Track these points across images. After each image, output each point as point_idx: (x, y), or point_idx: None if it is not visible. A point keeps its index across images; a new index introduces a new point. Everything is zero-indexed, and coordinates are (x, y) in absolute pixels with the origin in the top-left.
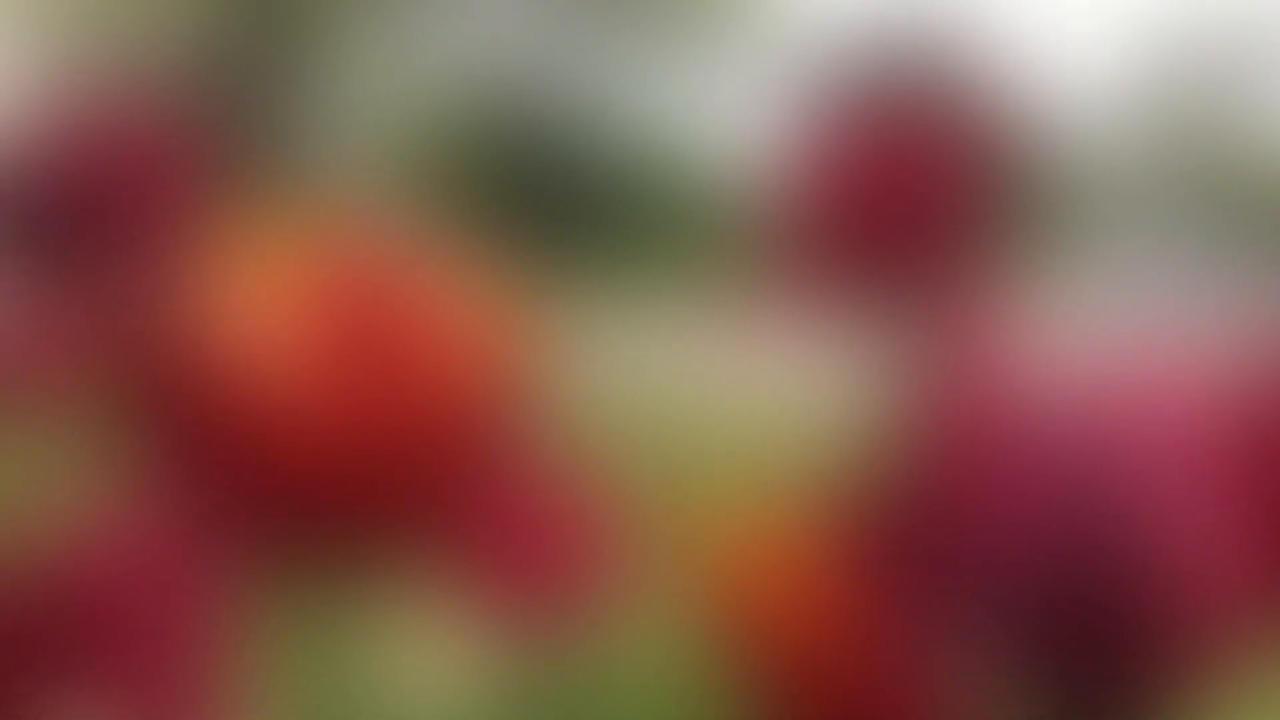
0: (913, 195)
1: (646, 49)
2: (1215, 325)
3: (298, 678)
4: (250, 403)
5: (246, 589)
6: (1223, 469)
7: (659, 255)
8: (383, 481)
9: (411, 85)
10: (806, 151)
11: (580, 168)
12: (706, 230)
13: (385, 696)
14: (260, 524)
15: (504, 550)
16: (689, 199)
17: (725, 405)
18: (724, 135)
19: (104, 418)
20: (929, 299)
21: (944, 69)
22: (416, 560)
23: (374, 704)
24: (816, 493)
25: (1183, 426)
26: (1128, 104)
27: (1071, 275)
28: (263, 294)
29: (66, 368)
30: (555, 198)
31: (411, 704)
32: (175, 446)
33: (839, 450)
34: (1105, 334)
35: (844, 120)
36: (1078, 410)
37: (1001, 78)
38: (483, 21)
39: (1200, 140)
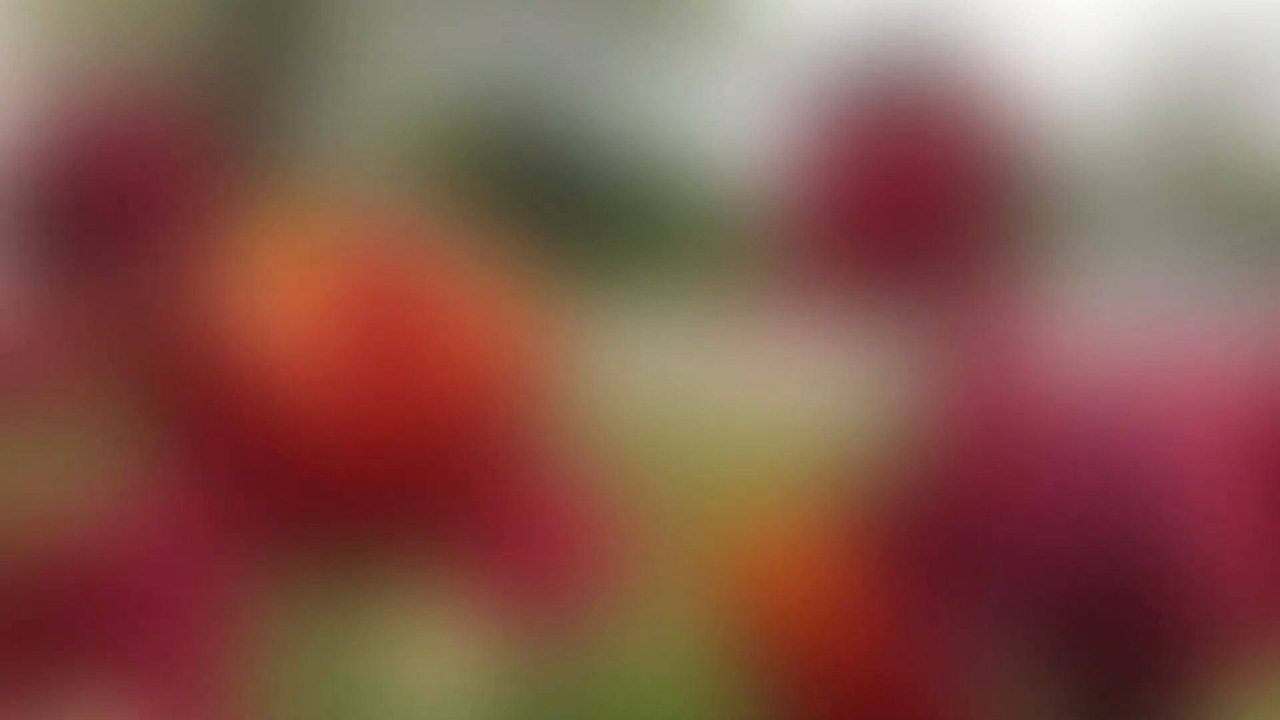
0: (916, 198)
1: (653, 55)
2: (1226, 324)
3: (309, 673)
4: (266, 399)
5: (261, 583)
6: (1241, 466)
7: (669, 258)
8: (397, 479)
9: (422, 86)
10: (810, 156)
11: (589, 172)
12: (715, 234)
13: (395, 694)
14: (275, 519)
15: (516, 551)
16: (698, 203)
17: (737, 407)
18: (730, 140)
19: (124, 412)
20: (937, 300)
21: (945, 72)
22: (429, 558)
23: (383, 702)
24: (831, 494)
25: (1200, 424)
26: (1129, 104)
27: (1076, 276)
28: (279, 291)
29: (87, 363)
30: (562, 201)
31: (421, 703)
32: (193, 441)
33: (853, 451)
34: (1117, 333)
35: (847, 125)
36: (1093, 409)
37: (1003, 81)
38: (489, 27)
39: (1201, 143)
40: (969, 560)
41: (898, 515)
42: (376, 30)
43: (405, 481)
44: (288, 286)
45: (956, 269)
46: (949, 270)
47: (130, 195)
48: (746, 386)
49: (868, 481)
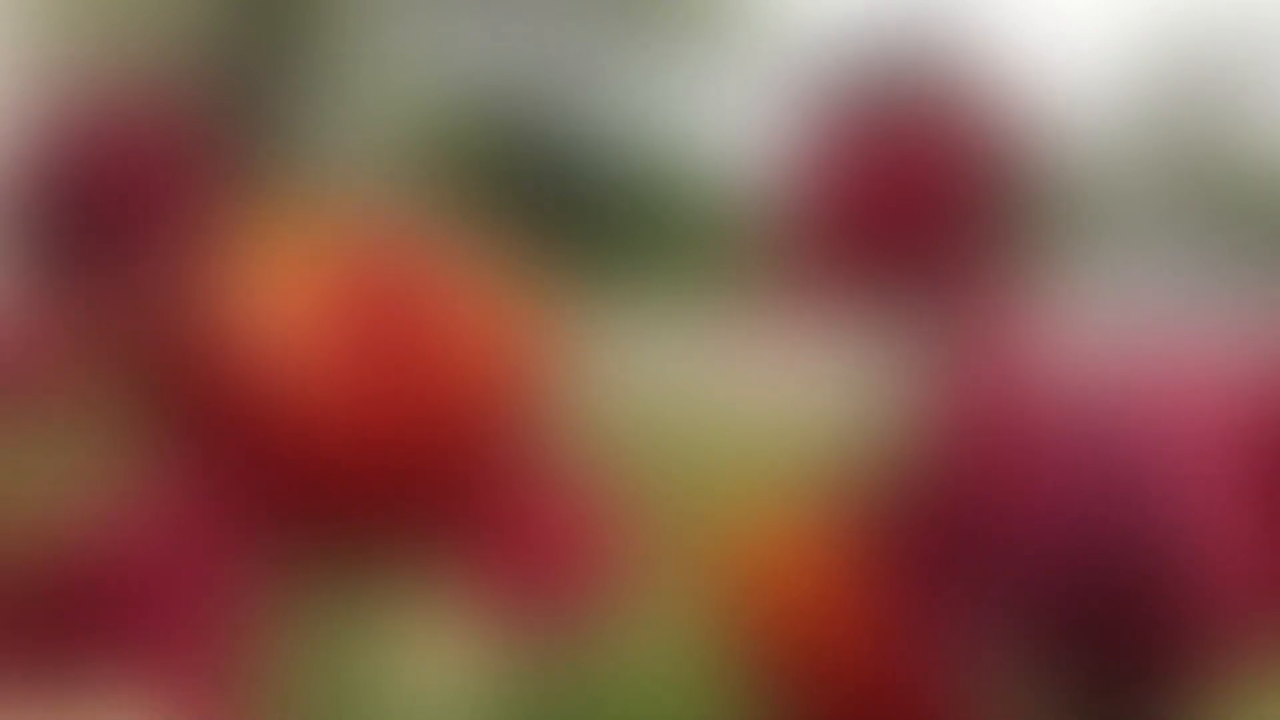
0: (916, 198)
1: (653, 55)
2: (1226, 324)
3: (309, 672)
4: (266, 398)
5: (262, 582)
6: (1241, 466)
7: (669, 258)
8: (397, 478)
9: (422, 86)
10: (810, 156)
11: (589, 172)
12: (715, 234)
13: (395, 694)
14: (276, 518)
15: (516, 551)
16: (698, 204)
17: (737, 407)
18: (730, 140)
19: (124, 412)
20: (937, 301)
21: (944, 73)
22: (429, 558)
23: (383, 702)
24: (831, 494)
25: (1200, 424)
26: (1129, 105)
27: (1076, 276)
28: (279, 290)
29: (87, 363)
30: (562, 201)
31: (421, 703)
32: (194, 440)
33: (852, 451)
34: (1117, 333)
35: (846, 125)
36: (1093, 409)
37: (1002, 81)
38: (490, 27)
39: (1201, 143)
40: (969, 560)
41: (897, 515)
42: (376, 30)
43: (405, 481)
44: (288, 286)
45: (956, 269)
46: (949, 271)
47: (130, 195)
48: (746, 387)
49: (867, 481)
